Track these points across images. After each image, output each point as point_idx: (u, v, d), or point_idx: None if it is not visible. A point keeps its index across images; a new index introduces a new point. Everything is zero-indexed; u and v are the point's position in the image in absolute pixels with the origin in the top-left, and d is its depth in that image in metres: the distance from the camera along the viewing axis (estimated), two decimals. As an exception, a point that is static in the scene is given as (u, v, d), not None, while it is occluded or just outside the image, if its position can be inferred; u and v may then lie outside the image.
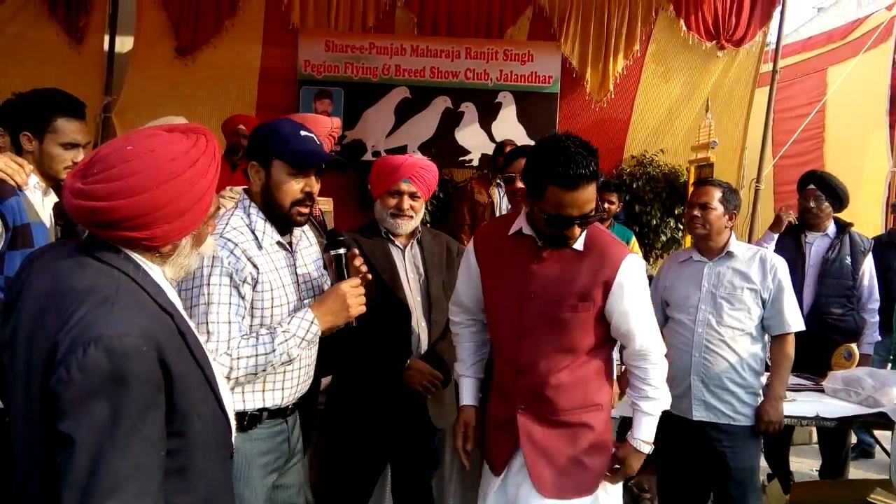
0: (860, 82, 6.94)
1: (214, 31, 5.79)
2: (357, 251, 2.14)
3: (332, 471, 2.64)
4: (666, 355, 2.18)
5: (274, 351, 1.87)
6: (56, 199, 2.41)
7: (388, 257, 2.61)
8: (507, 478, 2.15)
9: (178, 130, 1.39)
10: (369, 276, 2.13)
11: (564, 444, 2.09)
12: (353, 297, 1.98)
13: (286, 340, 1.89)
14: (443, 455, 2.95)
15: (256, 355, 1.86)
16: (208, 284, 1.86)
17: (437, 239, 2.78)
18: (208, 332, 1.83)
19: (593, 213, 2.00)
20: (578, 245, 2.06)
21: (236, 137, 5.02)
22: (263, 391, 1.98)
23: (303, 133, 2.02)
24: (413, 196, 2.58)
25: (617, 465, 2.14)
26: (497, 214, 5.17)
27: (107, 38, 5.57)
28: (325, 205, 3.77)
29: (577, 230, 2.02)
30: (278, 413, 2.04)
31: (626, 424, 2.37)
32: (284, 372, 2.01)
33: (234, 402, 1.85)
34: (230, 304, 1.88)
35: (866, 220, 6.39)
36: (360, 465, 2.60)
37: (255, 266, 1.94)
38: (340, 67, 5.98)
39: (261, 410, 1.99)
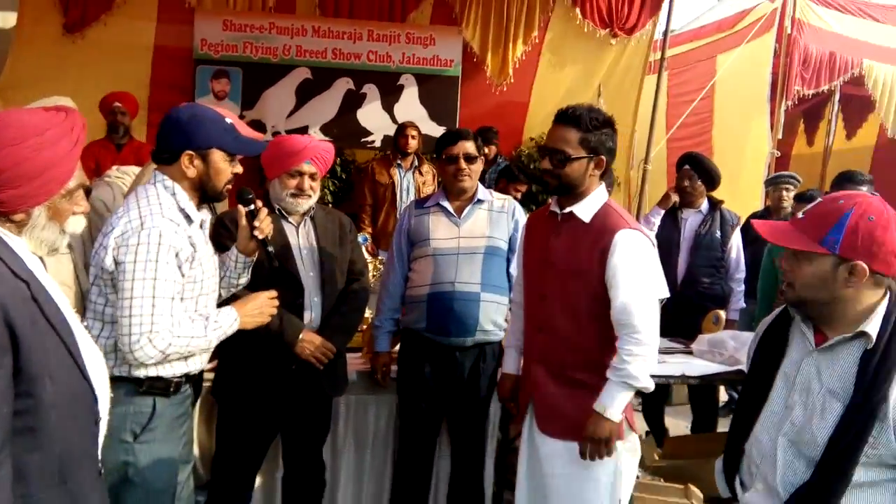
0: (745, 70, 7.39)
1: (105, 7, 5.58)
2: (261, 202, 2.32)
3: (223, 438, 2.69)
4: None
5: (206, 336, 2.06)
6: None
7: (281, 234, 2.66)
8: (529, 421, 2.44)
9: (41, 109, 1.46)
10: (271, 230, 2.32)
11: (567, 397, 2.30)
12: (269, 306, 2.24)
13: (215, 331, 2.09)
14: (336, 423, 3.03)
15: (192, 337, 2.03)
16: (156, 261, 1.98)
17: (330, 216, 2.85)
18: (153, 307, 1.96)
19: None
20: (586, 217, 2.30)
21: (113, 116, 4.93)
22: (186, 361, 2.12)
23: (228, 120, 2.17)
24: (313, 177, 2.68)
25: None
26: (398, 195, 5.27)
27: (-13, 14, 5.32)
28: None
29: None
30: (190, 378, 2.20)
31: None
32: None
33: (165, 371, 2.05)
34: (175, 281, 2.02)
35: (748, 198, 6.84)
36: (251, 433, 2.66)
37: (192, 244, 2.08)
38: (239, 47, 5.89)
39: (182, 377, 2.13)
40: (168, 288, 1.99)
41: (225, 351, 2.49)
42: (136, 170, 3.40)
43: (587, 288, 2.27)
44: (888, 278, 1.61)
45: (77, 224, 1.56)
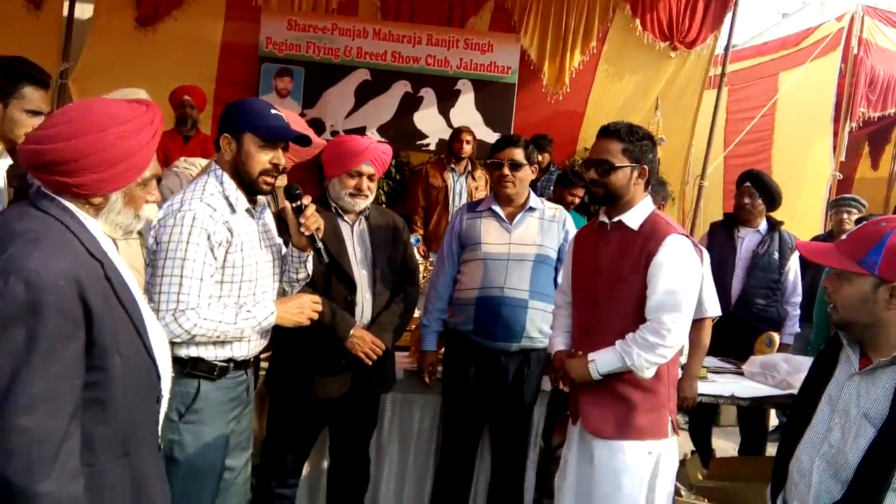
0: (809, 88, 7.22)
1: (176, 3, 5.79)
2: (310, 197, 2.34)
3: (274, 426, 2.75)
4: None
5: (235, 324, 2.10)
6: (10, 163, 2.46)
7: (336, 231, 2.72)
8: (579, 424, 2.46)
9: (124, 101, 1.55)
10: (321, 225, 2.32)
11: (614, 397, 2.35)
12: (309, 308, 2.29)
13: (247, 320, 2.12)
14: (382, 420, 3.07)
15: (220, 322, 2.07)
16: (187, 242, 2.05)
17: (384, 216, 2.90)
18: (180, 286, 2.02)
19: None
20: (634, 225, 2.37)
21: (182, 109, 5.08)
22: (233, 344, 2.17)
23: (273, 111, 2.21)
24: (371, 177, 2.74)
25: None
26: (451, 199, 5.31)
27: (66, 4, 5.50)
28: (281, 181, 3.86)
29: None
30: (243, 364, 2.24)
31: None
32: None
33: (205, 353, 2.12)
34: (205, 262, 2.07)
35: (806, 220, 6.68)
36: (301, 423, 2.72)
37: (230, 230, 2.13)
38: (302, 46, 6.02)
39: (228, 361, 2.18)
40: (197, 268, 2.04)
41: (279, 342, 2.56)
42: (203, 162, 3.50)
43: (634, 293, 2.33)
44: None
45: (150, 211, 1.65)
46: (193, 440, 2.10)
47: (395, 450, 3.17)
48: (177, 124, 5.15)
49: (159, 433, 1.62)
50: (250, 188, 2.21)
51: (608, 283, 2.39)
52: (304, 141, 2.26)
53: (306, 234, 2.26)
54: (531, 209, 3.01)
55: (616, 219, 2.41)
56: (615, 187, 2.36)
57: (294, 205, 2.27)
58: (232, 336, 2.12)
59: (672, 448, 2.39)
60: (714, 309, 3.02)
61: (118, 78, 5.64)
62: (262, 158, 2.16)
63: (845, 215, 4.71)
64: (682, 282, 2.29)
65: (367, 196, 2.73)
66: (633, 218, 2.39)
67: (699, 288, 2.41)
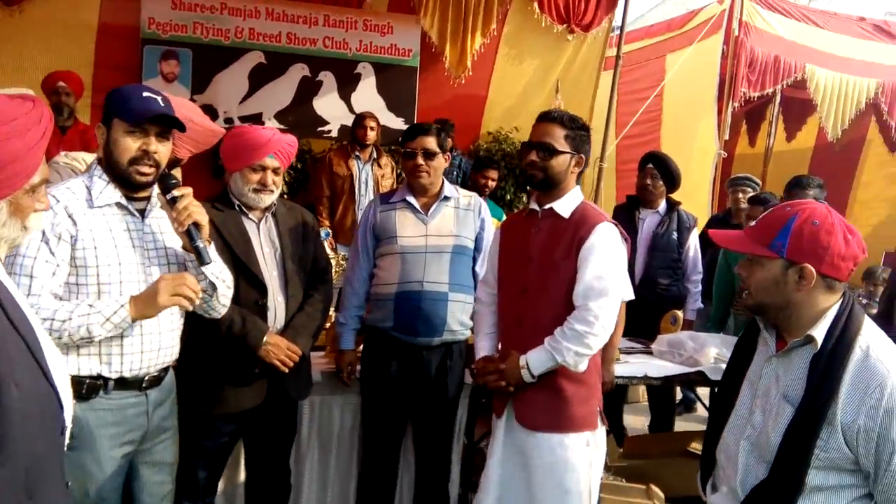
0: (694, 70, 7.51)
1: (45, -22, 5.27)
2: (189, 189, 2.09)
3: (183, 446, 2.57)
4: None
5: (69, 320, 1.85)
6: None
7: (241, 231, 2.56)
8: (507, 418, 2.43)
9: (6, 97, 1.36)
10: (202, 220, 2.08)
11: (549, 388, 2.34)
12: (167, 286, 1.94)
13: (88, 314, 1.87)
14: (300, 426, 2.95)
15: (52, 319, 1.84)
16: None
17: (292, 212, 2.75)
18: (19, 280, 1.84)
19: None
20: (566, 213, 2.39)
21: (57, 97, 4.67)
22: (100, 360, 1.97)
23: (145, 94, 2.02)
24: (276, 171, 2.58)
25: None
26: (356, 188, 5.18)
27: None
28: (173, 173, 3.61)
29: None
30: (129, 384, 2.03)
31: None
32: (122, 338, 1.99)
33: (67, 367, 1.82)
34: (36, 257, 1.88)
35: (694, 197, 6.99)
36: (213, 439, 2.56)
37: (74, 222, 1.94)
38: (189, 27, 5.66)
39: (100, 378, 1.97)
40: (27, 264, 1.87)
41: (184, 352, 2.38)
42: (86, 156, 3.20)
43: (565, 279, 2.35)
44: (841, 283, 1.67)
45: (38, 221, 1.46)
46: (70, 467, 1.87)
47: (316, 454, 3.06)
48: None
49: (64, 468, 1.45)
50: (126, 180, 2.01)
51: (539, 270, 2.39)
52: (177, 124, 2.05)
53: (180, 230, 2.02)
54: (446, 198, 2.95)
55: (547, 206, 2.42)
56: (554, 172, 2.37)
57: (167, 196, 2.03)
58: (77, 336, 1.86)
59: (603, 437, 2.43)
60: (628, 293, 3.08)
61: (-20, 64, 5.15)
62: (129, 145, 1.98)
63: (741, 194, 4.96)
64: (610, 268, 2.32)
65: (272, 191, 2.58)
66: (565, 206, 2.41)
67: (625, 272, 2.47)
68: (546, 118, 2.42)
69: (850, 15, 8.53)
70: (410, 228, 2.88)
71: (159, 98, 2.03)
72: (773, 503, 1.65)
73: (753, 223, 1.80)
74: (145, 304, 1.93)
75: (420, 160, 2.86)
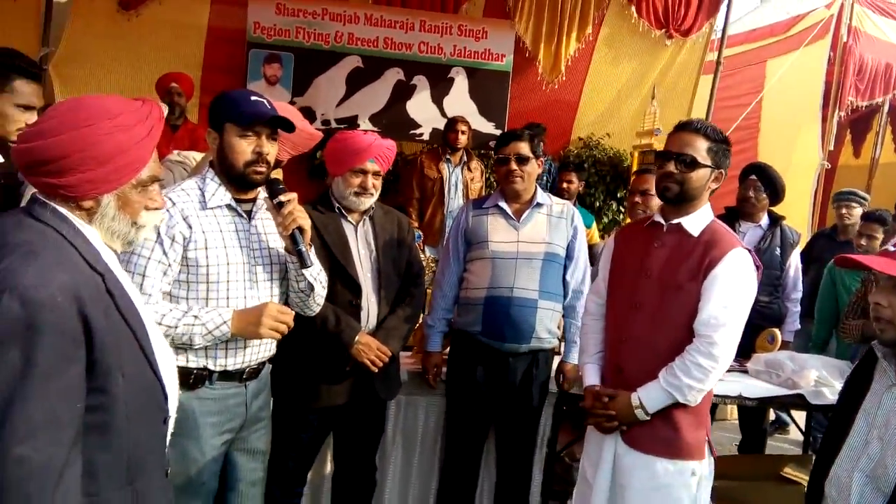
0: (797, 76, 7.21)
1: (161, -15, 5.58)
2: (295, 194, 2.16)
3: (276, 438, 2.67)
4: None
5: (176, 328, 1.94)
6: (1, 160, 2.34)
7: (340, 233, 2.63)
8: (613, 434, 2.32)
9: (116, 96, 1.43)
10: (305, 225, 2.15)
11: (659, 414, 2.21)
12: (271, 318, 2.03)
13: (192, 325, 1.96)
14: (387, 422, 3.01)
15: (159, 323, 1.90)
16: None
17: (388, 216, 2.81)
18: (132, 279, 1.90)
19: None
20: (695, 231, 2.24)
21: (170, 97, 4.94)
22: (206, 354, 2.05)
23: (253, 97, 2.10)
24: (376, 175, 2.65)
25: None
26: (446, 191, 5.23)
27: (45, -13, 5.32)
28: (274, 174, 3.75)
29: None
30: (232, 376, 2.12)
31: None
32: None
33: (176, 359, 1.91)
34: (150, 258, 1.97)
35: (794, 210, 6.69)
36: (304, 433, 2.65)
37: (189, 225, 2.02)
38: (291, 32, 5.85)
39: (206, 370, 2.06)
40: (141, 263, 1.95)
41: (280, 349, 2.47)
42: (196, 155, 3.38)
43: (686, 302, 2.21)
44: None
45: (153, 219, 1.52)
46: (173, 454, 1.95)
47: (400, 452, 3.13)
48: (164, 112, 5.01)
49: (167, 457, 1.53)
50: (242, 182, 2.10)
51: (658, 287, 2.25)
52: (286, 125, 2.14)
53: (285, 233, 2.10)
54: (539, 205, 2.94)
55: (675, 221, 2.28)
56: (692, 186, 2.22)
57: (274, 201, 2.11)
58: (177, 340, 1.95)
59: (711, 468, 2.31)
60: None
61: (100, 64, 5.52)
62: (244, 147, 2.06)
63: (844, 210, 4.71)
64: (738, 298, 2.17)
65: (372, 194, 2.65)
66: (694, 223, 2.26)
67: (751, 303, 2.26)
68: (688, 127, 2.25)
69: (972, 19, 7.96)
70: (502, 234, 2.89)
71: (265, 101, 2.12)
72: None
73: (893, 248, 1.67)
74: (246, 326, 2.02)
75: (513, 165, 2.87)
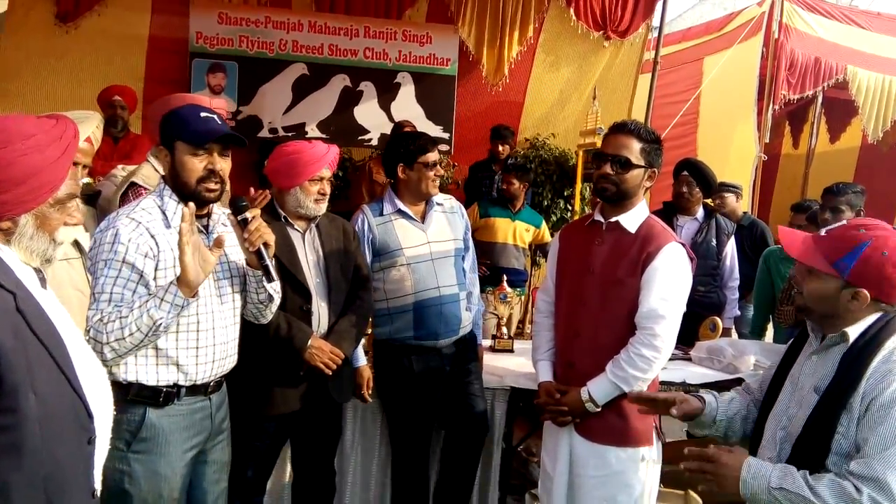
0: (732, 72, 7.45)
1: (98, -5, 5.49)
2: (258, 210, 2.22)
3: (234, 447, 2.69)
4: None
5: (132, 312, 1.90)
6: None
7: (288, 242, 2.67)
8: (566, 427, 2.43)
9: (30, 116, 1.44)
10: (270, 240, 2.17)
11: (607, 404, 2.32)
12: (194, 256, 1.94)
13: (145, 303, 1.92)
14: (344, 428, 3.05)
15: (120, 317, 1.90)
16: (105, 260, 1.97)
17: (334, 223, 2.85)
18: (93, 301, 1.94)
19: None
20: (632, 228, 2.35)
21: (113, 110, 4.88)
22: (178, 369, 2.06)
23: (203, 114, 2.11)
24: (329, 180, 2.74)
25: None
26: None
27: (-24, 1, 5.22)
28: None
29: None
30: (198, 390, 2.13)
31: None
32: (197, 348, 2.10)
33: (145, 377, 1.99)
34: (117, 277, 1.96)
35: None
36: (261, 441, 2.67)
37: (157, 243, 2.03)
38: (234, 41, 5.83)
39: (175, 387, 2.07)
40: (108, 285, 1.94)
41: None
42: (148, 172, 3.36)
43: (627, 296, 2.32)
44: (885, 304, 1.72)
45: (71, 234, 1.52)
46: (144, 471, 2.01)
47: (359, 456, 3.15)
48: (106, 126, 4.92)
49: (95, 477, 1.49)
50: (195, 199, 2.08)
51: (600, 283, 2.36)
52: (237, 140, 2.14)
53: (251, 249, 2.12)
54: (435, 204, 3.03)
55: (613, 219, 2.38)
56: (628, 186, 2.33)
57: (239, 218, 2.12)
58: (139, 327, 1.89)
59: (659, 453, 2.42)
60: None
61: (38, 78, 5.40)
62: (196, 165, 2.06)
63: (718, 200, 5.02)
64: (675, 290, 2.29)
65: (327, 199, 2.73)
66: (631, 220, 2.37)
67: (687, 294, 2.39)
68: (622, 129, 2.34)
69: (893, 14, 8.36)
70: (412, 238, 2.93)
71: (216, 117, 2.13)
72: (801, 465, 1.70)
73: (823, 233, 1.80)
74: (186, 276, 1.93)
75: (441, 170, 2.98)
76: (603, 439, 2.35)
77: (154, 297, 1.92)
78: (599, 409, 2.32)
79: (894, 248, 1.67)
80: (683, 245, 2.36)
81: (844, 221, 1.85)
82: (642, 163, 2.32)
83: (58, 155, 1.40)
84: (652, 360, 2.25)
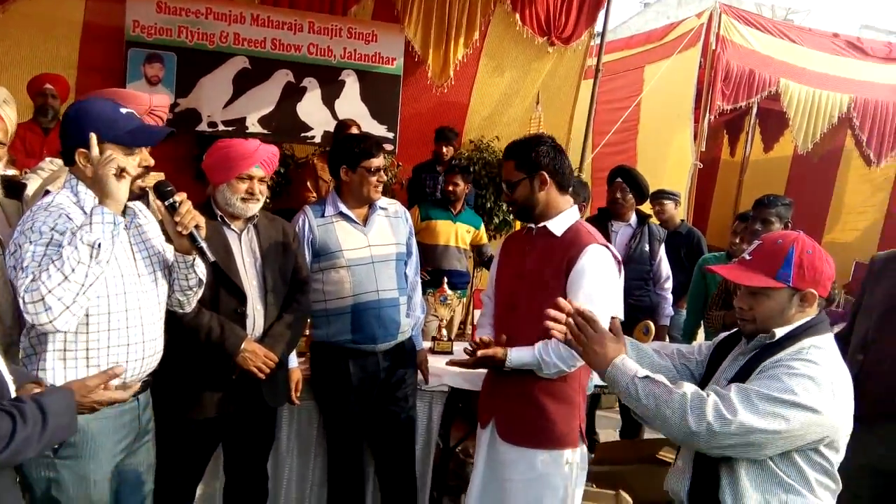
0: (671, 81, 7.65)
1: (30, -22, 5.24)
2: (185, 194, 2.13)
3: (162, 452, 2.62)
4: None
5: (64, 248, 1.82)
6: None
7: (223, 241, 2.62)
8: (490, 430, 2.50)
9: None
10: (201, 222, 2.14)
11: (530, 406, 2.39)
12: (104, 164, 1.93)
13: (73, 233, 1.85)
14: (279, 432, 3.01)
15: (52, 262, 1.81)
16: (25, 241, 1.87)
17: (273, 224, 2.81)
18: (24, 269, 1.82)
19: None
20: (558, 232, 2.44)
21: (44, 98, 4.72)
22: (108, 365, 1.99)
23: (123, 111, 2.05)
24: (261, 180, 2.65)
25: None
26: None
27: None
28: (156, 176, 3.64)
29: None
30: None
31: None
32: (128, 346, 2.05)
33: (71, 373, 1.93)
34: (38, 244, 1.86)
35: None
36: (191, 445, 2.62)
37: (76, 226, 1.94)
38: (173, 31, 5.66)
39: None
40: (36, 254, 1.84)
41: (165, 360, 2.43)
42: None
43: (553, 299, 2.34)
44: (823, 299, 1.85)
45: None
46: (72, 477, 1.96)
47: (295, 459, 3.13)
48: (36, 115, 4.74)
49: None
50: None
51: (529, 287, 2.44)
52: (169, 135, 2.10)
53: (184, 232, 2.08)
54: (378, 208, 3.01)
55: (541, 224, 2.47)
56: (521, 200, 2.46)
57: (166, 203, 2.07)
58: (81, 259, 1.82)
59: (584, 456, 2.47)
60: (619, 312, 3.16)
61: (-38, 64, 5.13)
62: (130, 165, 1.99)
63: (658, 207, 5.30)
64: (600, 290, 2.33)
65: (258, 200, 2.65)
66: (558, 225, 2.45)
67: (619, 297, 2.45)
68: (504, 156, 2.52)
69: (824, 31, 8.72)
70: (353, 241, 2.92)
71: (133, 111, 2.08)
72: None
73: (749, 256, 1.88)
74: (101, 192, 1.93)
75: (383, 176, 2.96)
76: (526, 442, 2.40)
77: (80, 229, 1.84)
78: (509, 369, 2.37)
79: (812, 245, 1.82)
80: (607, 246, 2.43)
81: (759, 240, 1.94)
82: (522, 175, 2.44)
83: None
84: (572, 356, 2.29)
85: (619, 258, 2.46)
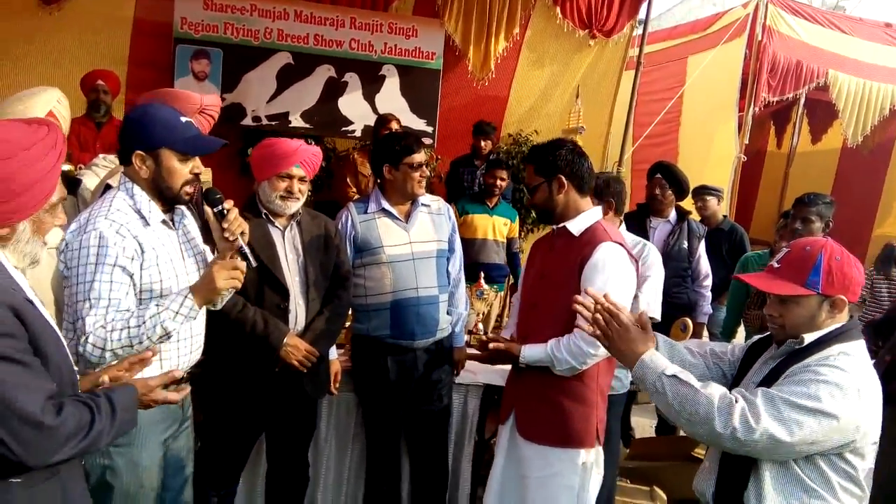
0: (716, 72, 7.50)
1: (83, -23, 5.42)
2: (232, 201, 2.22)
3: (208, 436, 2.75)
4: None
5: (144, 323, 1.95)
6: None
7: (267, 238, 2.71)
8: (510, 425, 2.56)
9: (23, 122, 1.51)
10: (245, 229, 2.21)
11: (549, 404, 2.44)
12: (221, 272, 2.05)
13: (158, 313, 1.97)
14: (319, 422, 3.10)
15: (129, 327, 1.95)
16: (95, 264, 1.96)
17: (316, 221, 2.88)
18: (90, 307, 1.94)
19: None
20: (576, 232, 2.49)
21: (96, 94, 4.87)
22: (161, 360, 2.11)
23: (183, 119, 2.13)
24: (302, 180, 2.72)
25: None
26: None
27: (-43, -19, 5.14)
28: (204, 175, 3.74)
29: None
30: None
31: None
32: (178, 341, 2.15)
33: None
34: (111, 281, 1.98)
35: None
36: (236, 432, 2.73)
37: (140, 245, 2.04)
38: (219, 27, 5.80)
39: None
40: (105, 290, 1.96)
41: (209, 351, 2.52)
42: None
43: (569, 297, 2.33)
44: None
45: (56, 236, 1.58)
46: (126, 464, 2.07)
47: (333, 449, 3.21)
48: (89, 110, 4.92)
49: None
50: (176, 200, 2.14)
51: (548, 286, 2.51)
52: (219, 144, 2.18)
53: (231, 238, 2.15)
54: (421, 205, 3.04)
55: (561, 225, 2.53)
56: (541, 203, 2.54)
57: (216, 210, 2.16)
58: (155, 336, 1.96)
59: (599, 457, 2.50)
60: (656, 311, 3.18)
61: (21, 61, 5.34)
62: (183, 171, 2.10)
63: (700, 203, 5.21)
64: (614, 287, 2.32)
65: (298, 199, 2.72)
66: (577, 225, 2.49)
67: (632, 294, 2.47)
68: (525, 160, 2.60)
69: (876, 21, 8.47)
70: (394, 237, 2.95)
71: (192, 121, 2.17)
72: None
73: (777, 264, 1.89)
74: (207, 291, 2.04)
75: (426, 171, 3.01)
76: (542, 439, 2.44)
77: (167, 310, 1.97)
78: (524, 365, 2.43)
79: (840, 251, 1.83)
80: (622, 244, 2.44)
81: (787, 247, 1.94)
82: (541, 179, 2.50)
83: (54, 162, 1.48)
84: (588, 353, 2.32)
85: (634, 257, 2.48)
